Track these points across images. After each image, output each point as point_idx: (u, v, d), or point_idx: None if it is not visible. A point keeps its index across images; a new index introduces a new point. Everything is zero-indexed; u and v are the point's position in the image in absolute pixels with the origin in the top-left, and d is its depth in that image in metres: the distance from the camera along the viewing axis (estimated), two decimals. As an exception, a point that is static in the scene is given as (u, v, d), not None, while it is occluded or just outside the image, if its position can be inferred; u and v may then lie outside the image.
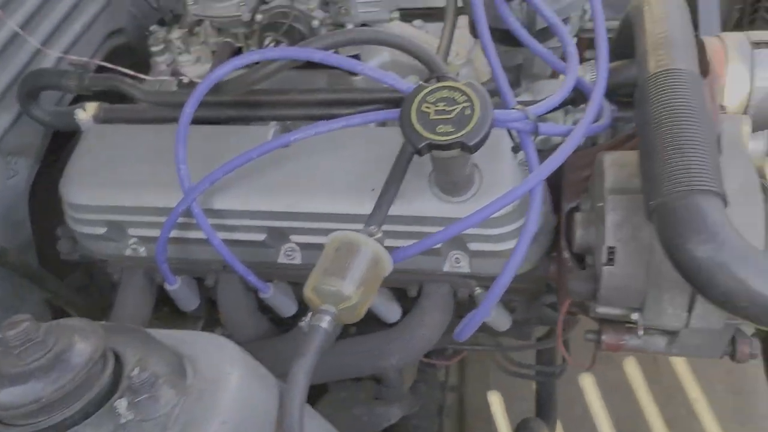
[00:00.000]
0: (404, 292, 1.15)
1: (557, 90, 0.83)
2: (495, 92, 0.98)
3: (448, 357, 1.65)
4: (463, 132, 0.74)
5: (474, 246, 0.98)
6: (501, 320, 1.08)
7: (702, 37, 0.88)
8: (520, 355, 1.71)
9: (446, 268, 1.02)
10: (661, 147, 0.69)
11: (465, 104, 0.75)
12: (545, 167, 0.75)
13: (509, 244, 0.97)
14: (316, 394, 1.35)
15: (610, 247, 0.78)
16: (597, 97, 0.80)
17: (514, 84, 1.07)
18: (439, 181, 0.90)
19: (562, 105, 0.91)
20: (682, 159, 0.67)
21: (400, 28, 1.19)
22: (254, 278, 0.97)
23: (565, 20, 0.99)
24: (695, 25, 1.34)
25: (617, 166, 0.82)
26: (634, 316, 0.81)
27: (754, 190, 0.75)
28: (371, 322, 1.11)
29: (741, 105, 0.84)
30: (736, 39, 0.85)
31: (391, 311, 1.11)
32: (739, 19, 1.62)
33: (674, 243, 0.64)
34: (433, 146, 0.75)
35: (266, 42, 1.10)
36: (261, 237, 0.99)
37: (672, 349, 0.87)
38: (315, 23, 0.99)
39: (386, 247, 0.77)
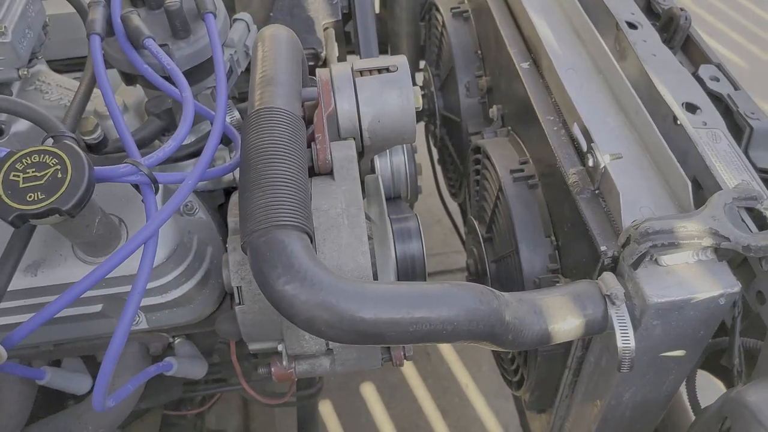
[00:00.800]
0: (94, 358, 1.08)
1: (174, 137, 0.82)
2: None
3: (199, 404, 1.60)
4: (54, 197, 0.70)
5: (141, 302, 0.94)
6: (192, 371, 1.05)
7: (317, 69, 0.93)
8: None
9: None
10: (248, 185, 0.71)
11: (56, 167, 0.72)
12: (153, 222, 0.74)
13: (178, 292, 0.95)
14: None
15: (238, 287, 0.79)
16: (211, 143, 0.81)
17: (171, 128, 1.05)
18: (76, 244, 0.86)
19: (193, 152, 0.91)
20: (263, 197, 0.69)
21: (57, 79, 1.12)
22: None
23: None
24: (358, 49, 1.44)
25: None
26: (280, 347, 0.83)
27: (357, 211, 0.80)
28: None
29: (354, 129, 0.90)
30: (342, 69, 0.91)
31: (78, 383, 1.04)
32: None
33: (260, 279, 0.66)
34: (25, 216, 0.70)
35: None
36: None
37: (336, 367, 0.90)
38: None
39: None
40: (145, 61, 0.92)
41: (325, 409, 2.24)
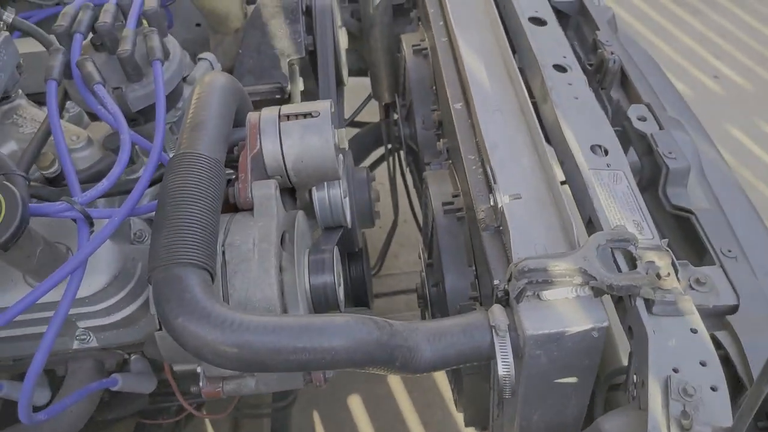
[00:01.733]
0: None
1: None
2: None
3: (175, 414, 1.69)
4: (-12, 232, 0.80)
5: (87, 323, 1.04)
6: (139, 386, 1.15)
7: (249, 113, 1.02)
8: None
9: (75, 345, 1.08)
10: (157, 225, 0.80)
11: (-5, 205, 0.82)
12: (79, 254, 0.84)
13: (122, 314, 1.05)
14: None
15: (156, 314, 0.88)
16: (142, 180, 0.91)
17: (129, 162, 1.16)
18: (24, 270, 0.96)
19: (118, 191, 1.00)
20: (167, 237, 0.78)
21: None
22: None
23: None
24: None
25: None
26: (198, 369, 0.92)
27: (268, 246, 0.89)
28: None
29: (279, 168, 0.99)
30: (270, 113, 1.01)
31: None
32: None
33: (159, 311, 0.76)
34: (-41, 253, 0.81)
35: None
36: None
37: (260, 386, 0.99)
38: None
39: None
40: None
41: (309, 421, 2.32)
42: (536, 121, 1.06)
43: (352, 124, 2.20)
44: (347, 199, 1.19)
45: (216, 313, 0.74)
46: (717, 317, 0.92)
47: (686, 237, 1.09)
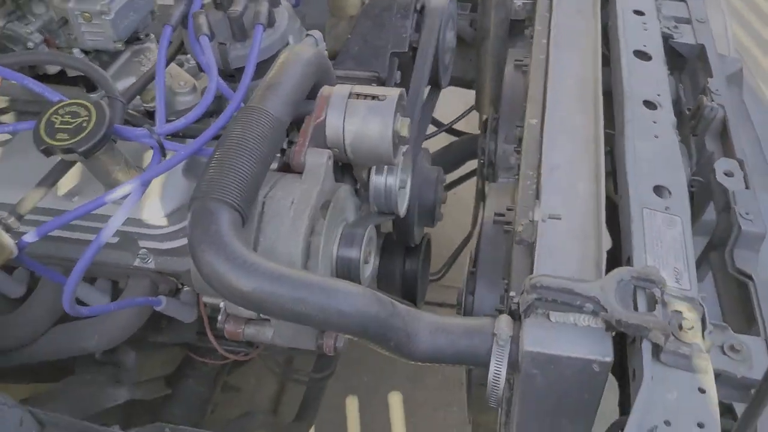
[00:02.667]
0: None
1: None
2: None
3: (221, 357, 1.81)
4: (74, 140, 0.92)
5: (147, 244, 1.15)
6: (180, 314, 1.24)
7: (324, 86, 1.08)
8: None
9: (136, 263, 1.19)
10: (211, 160, 0.88)
11: (84, 118, 0.94)
12: (146, 173, 0.94)
13: (180, 242, 1.15)
14: (60, 375, 1.49)
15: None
16: (218, 123, 0.99)
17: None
18: (104, 183, 1.08)
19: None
20: (213, 173, 0.86)
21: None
22: None
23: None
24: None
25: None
26: (221, 304, 0.99)
27: (304, 207, 0.94)
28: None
29: (338, 141, 1.04)
30: (341, 89, 1.06)
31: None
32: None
33: (189, 237, 0.83)
34: (50, 149, 0.93)
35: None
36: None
37: (275, 338, 1.05)
38: (30, 45, 1.17)
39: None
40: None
41: (341, 404, 2.35)
42: (602, 150, 1.04)
43: (451, 131, 2.22)
44: (405, 189, 1.22)
45: (232, 248, 0.80)
46: (743, 390, 0.86)
47: (741, 303, 1.02)
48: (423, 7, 1.58)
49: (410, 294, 1.54)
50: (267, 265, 0.80)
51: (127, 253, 1.19)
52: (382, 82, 1.52)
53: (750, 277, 1.00)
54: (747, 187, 1.09)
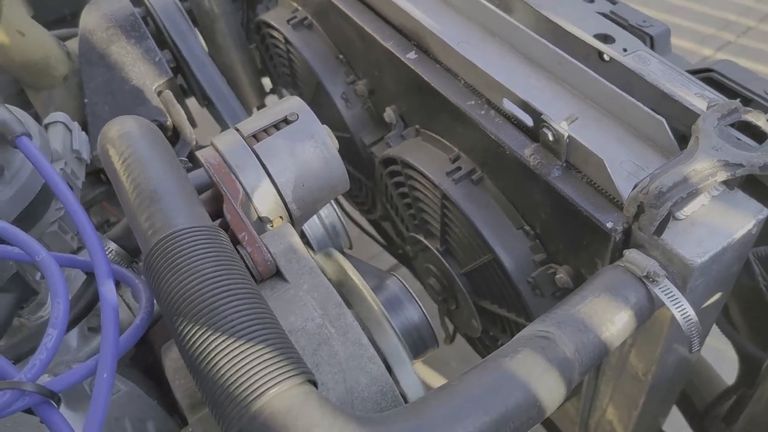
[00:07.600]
0: None
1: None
2: None
3: None
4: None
5: None
6: None
7: (197, 153, 0.72)
8: None
9: None
10: (199, 352, 0.50)
11: None
12: None
13: None
14: None
15: None
16: (108, 318, 0.58)
17: (26, 296, 0.80)
18: None
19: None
20: (231, 365, 0.49)
21: None
22: None
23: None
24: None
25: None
26: None
27: (339, 309, 0.62)
28: None
29: (278, 207, 0.71)
30: (229, 141, 0.71)
31: None
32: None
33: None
34: None
35: None
36: None
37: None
38: None
39: None
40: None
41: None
42: (526, 32, 0.88)
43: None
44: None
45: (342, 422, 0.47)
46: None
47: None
48: (151, 17, 1.20)
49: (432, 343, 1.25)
50: (432, 412, 0.49)
51: None
52: (168, 129, 1.15)
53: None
54: (614, 3, 1.03)
